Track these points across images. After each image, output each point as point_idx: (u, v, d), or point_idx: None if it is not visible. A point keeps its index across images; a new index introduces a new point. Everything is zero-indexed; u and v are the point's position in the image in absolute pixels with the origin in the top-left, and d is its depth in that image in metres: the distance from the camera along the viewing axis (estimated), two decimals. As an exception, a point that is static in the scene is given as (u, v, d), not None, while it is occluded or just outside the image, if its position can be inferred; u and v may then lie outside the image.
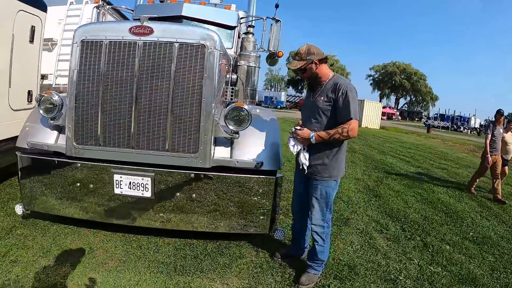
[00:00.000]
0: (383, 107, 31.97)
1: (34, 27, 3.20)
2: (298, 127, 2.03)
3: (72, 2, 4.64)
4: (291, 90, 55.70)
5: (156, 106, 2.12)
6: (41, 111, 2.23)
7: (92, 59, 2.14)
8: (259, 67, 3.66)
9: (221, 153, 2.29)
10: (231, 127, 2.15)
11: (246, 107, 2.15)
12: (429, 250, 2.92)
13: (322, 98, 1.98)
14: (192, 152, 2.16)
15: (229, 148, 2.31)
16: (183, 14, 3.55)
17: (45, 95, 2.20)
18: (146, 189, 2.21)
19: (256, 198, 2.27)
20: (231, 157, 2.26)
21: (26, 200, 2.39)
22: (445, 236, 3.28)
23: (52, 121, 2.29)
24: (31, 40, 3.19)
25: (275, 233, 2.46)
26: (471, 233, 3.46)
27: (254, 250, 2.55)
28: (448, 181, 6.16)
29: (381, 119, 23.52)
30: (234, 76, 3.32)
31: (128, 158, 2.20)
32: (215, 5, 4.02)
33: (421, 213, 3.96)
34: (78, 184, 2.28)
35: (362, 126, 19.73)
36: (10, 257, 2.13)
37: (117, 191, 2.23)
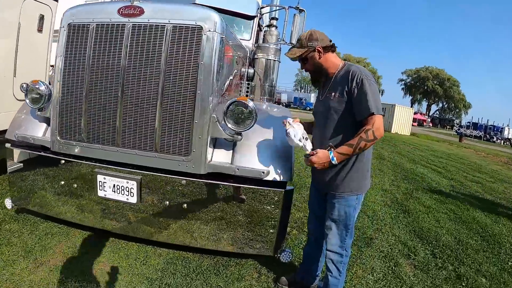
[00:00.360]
0: (414, 113, 30.21)
1: (43, 16, 3.05)
2: (291, 120, 1.63)
3: None
4: None
5: (144, 99, 1.78)
6: (27, 101, 2.00)
7: (79, 45, 1.85)
8: (279, 61, 3.22)
9: (220, 157, 1.90)
10: (230, 126, 1.74)
11: (250, 102, 1.73)
12: (463, 284, 2.36)
13: (333, 93, 1.53)
14: (184, 155, 1.80)
15: (231, 151, 1.91)
16: (196, 2, 3.21)
17: (31, 84, 1.96)
18: (131, 194, 1.89)
19: (259, 214, 1.85)
20: (231, 162, 1.86)
21: (14, 195, 2.20)
22: (481, 266, 2.67)
23: (39, 113, 2.06)
24: (40, 30, 3.04)
25: (281, 255, 2.01)
26: (509, 263, 2.83)
27: (256, 272, 2.13)
28: (483, 197, 5.30)
29: (412, 125, 22.02)
30: (251, 71, 2.93)
31: (112, 157, 1.89)
32: None
33: (454, 234, 3.33)
34: (62, 182, 2.03)
35: (392, 131, 18.57)
36: (-11, 255, 1.95)
37: (100, 193, 1.94)
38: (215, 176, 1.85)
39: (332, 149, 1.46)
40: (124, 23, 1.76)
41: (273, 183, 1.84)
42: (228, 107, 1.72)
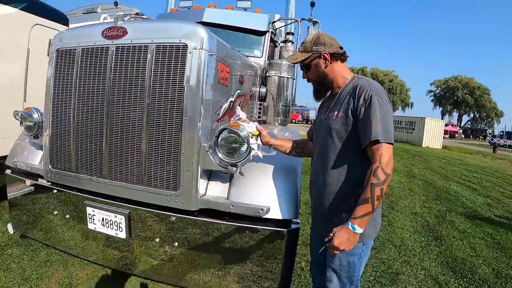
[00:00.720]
0: (445, 125, 28.24)
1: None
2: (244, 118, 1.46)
3: (106, 18, 4.57)
4: None
5: (129, 127, 1.59)
6: (22, 129, 1.93)
7: (66, 71, 1.73)
8: (293, 78, 2.91)
9: (216, 190, 1.65)
10: (221, 156, 1.49)
11: (244, 130, 1.46)
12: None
13: (336, 112, 1.23)
14: (172, 189, 1.58)
15: (228, 183, 1.66)
16: (204, 20, 3.01)
17: (23, 112, 1.88)
18: (120, 229, 1.71)
19: (259, 257, 1.57)
20: (227, 197, 1.60)
21: (14, 221, 2.14)
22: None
23: (35, 140, 1.97)
24: (49, 54, 3.06)
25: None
26: None
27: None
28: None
29: (443, 137, 20.33)
30: (263, 90, 2.65)
31: (100, 189, 1.72)
32: (245, 9, 3.36)
33: (492, 265, 2.81)
34: (56, 212, 1.91)
35: (423, 145, 17.36)
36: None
37: (90, 226, 1.78)
38: (211, 212, 1.61)
39: (348, 219, 1.12)
40: (108, 45, 1.59)
41: (275, 222, 1.55)
42: (218, 136, 1.46)
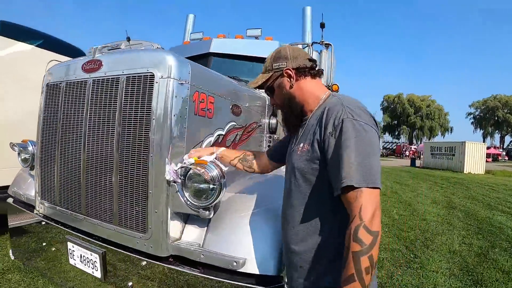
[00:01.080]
0: (487, 148, 25.53)
1: None
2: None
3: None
4: (387, 137, 50.80)
5: (102, 163, 1.50)
6: (19, 161, 1.98)
7: (53, 105, 1.73)
8: None
9: (192, 234, 1.43)
10: (187, 198, 1.30)
11: (214, 170, 1.24)
12: None
13: (302, 145, 0.93)
14: (141, 231, 1.42)
15: (205, 228, 1.46)
16: (211, 51, 2.97)
17: (19, 144, 1.93)
18: (96, 268, 1.59)
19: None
20: (202, 244, 1.39)
21: (13, 248, 2.18)
22: None
23: (31, 171, 2.02)
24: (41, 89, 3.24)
25: None
26: None
27: None
28: None
29: (486, 161, 18.30)
30: (273, 121, 2.43)
31: (79, 225, 1.65)
32: (256, 37, 3.23)
33: None
34: (44, 244, 1.89)
35: (465, 172, 15.75)
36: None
37: (71, 261, 1.70)
38: (187, 259, 1.41)
39: None
40: (86, 79, 1.56)
41: (254, 277, 1.29)
42: (185, 175, 1.28)
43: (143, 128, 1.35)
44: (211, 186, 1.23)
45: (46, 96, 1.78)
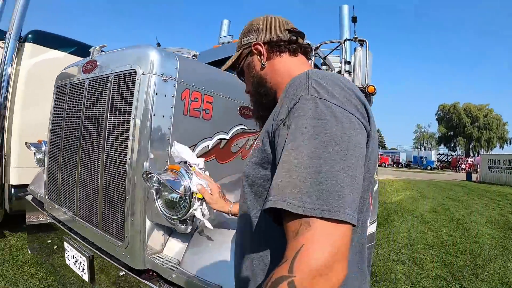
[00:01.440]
0: None
1: None
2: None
3: None
4: (442, 148, 47.07)
5: (91, 164, 1.46)
6: (34, 160, 2.09)
7: (60, 106, 1.80)
8: None
9: (175, 249, 1.30)
10: (160, 208, 1.17)
11: (184, 178, 1.07)
12: None
13: (255, 143, 0.64)
14: (120, 239, 1.33)
15: (187, 244, 1.28)
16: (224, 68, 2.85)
17: (33, 144, 2.04)
18: (84, 271, 1.55)
19: None
20: (180, 262, 1.23)
21: (29, 244, 2.30)
22: None
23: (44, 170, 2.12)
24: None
25: None
26: None
27: None
28: None
29: None
30: None
31: (74, 226, 1.64)
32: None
33: None
34: (49, 241, 1.94)
35: None
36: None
37: (67, 261, 1.70)
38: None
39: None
40: (84, 80, 1.56)
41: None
42: (159, 182, 1.16)
43: (124, 129, 1.28)
44: (181, 197, 1.08)
45: (55, 98, 1.86)
